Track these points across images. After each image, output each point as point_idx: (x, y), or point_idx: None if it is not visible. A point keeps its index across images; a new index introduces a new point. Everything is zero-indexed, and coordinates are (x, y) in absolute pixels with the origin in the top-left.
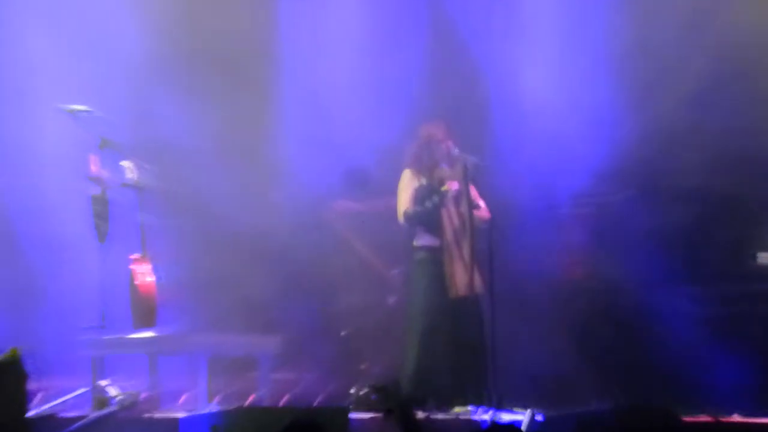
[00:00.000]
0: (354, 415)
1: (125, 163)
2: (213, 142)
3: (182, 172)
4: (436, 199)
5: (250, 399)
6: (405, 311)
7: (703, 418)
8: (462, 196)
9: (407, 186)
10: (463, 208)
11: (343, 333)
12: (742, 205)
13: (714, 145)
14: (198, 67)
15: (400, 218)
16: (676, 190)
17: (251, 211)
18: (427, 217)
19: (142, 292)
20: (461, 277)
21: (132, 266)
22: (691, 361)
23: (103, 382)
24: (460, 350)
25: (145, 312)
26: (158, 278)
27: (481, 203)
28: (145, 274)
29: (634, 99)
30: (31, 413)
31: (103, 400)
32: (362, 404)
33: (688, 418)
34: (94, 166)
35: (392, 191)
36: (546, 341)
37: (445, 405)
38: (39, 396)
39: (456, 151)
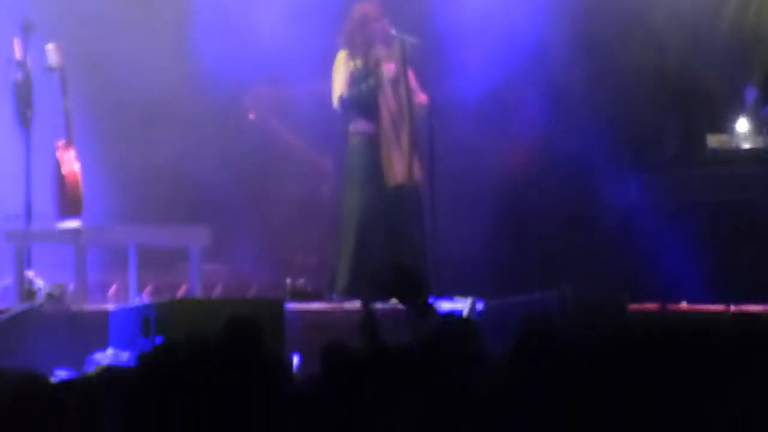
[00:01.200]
0: (289, 306)
1: (49, 46)
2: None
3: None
4: (371, 81)
5: (182, 291)
6: (340, 199)
7: (650, 305)
8: (400, 78)
9: (341, 68)
10: (401, 91)
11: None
12: (695, 84)
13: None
14: None
15: (335, 103)
16: (628, 70)
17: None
18: (362, 102)
19: (68, 179)
20: (399, 165)
21: (57, 153)
22: (638, 250)
23: (29, 273)
24: (397, 240)
25: (71, 200)
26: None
27: (419, 88)
28: (71, 161)
29: None
30: None
31: (29, 292)
32: (297, 295)
33: (634, 306)
34: (18, 49)
35: (314, 75)
36: (488, 232)
37: (383, 296)
38: None
39: (393, 30)
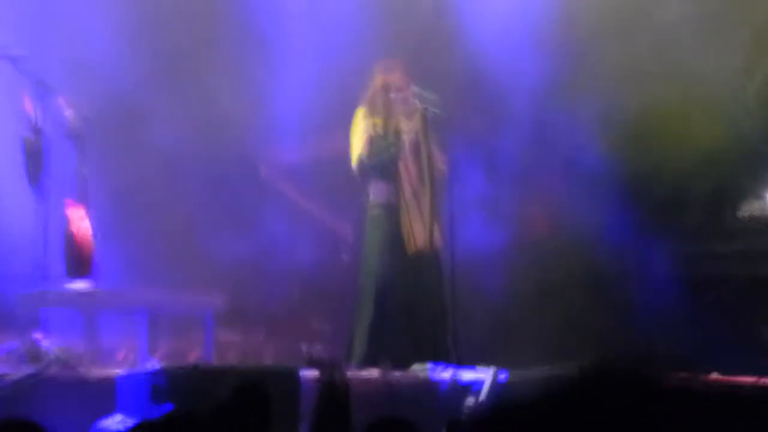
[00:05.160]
0: (304, 375)
1: (62, 106)
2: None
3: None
4: (393, 150)
5: (194, 357)
6: (358, 268)
7: (679, 375)
8: (420, 144)
9: (360, 127)
10: (423, 160)
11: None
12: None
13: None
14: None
15: (354, 165)
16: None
17: (198, 163)
18: (382, 169)
19: (78, 238)
20: (419, 233)
21: (67, 211)
22: (667, 321)
23: (36, 335)
24: (417, 308)
25: (81, 260)
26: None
27: (440, 155)
28: (80, 220)
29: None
30: None
31: (36, 356)
32: (313, 364)
33: (662, 377)
34: (29, 108)
35: (332, 130)
36: (511, 300)
37: (402, 364)
38: None
39: (415, 99)
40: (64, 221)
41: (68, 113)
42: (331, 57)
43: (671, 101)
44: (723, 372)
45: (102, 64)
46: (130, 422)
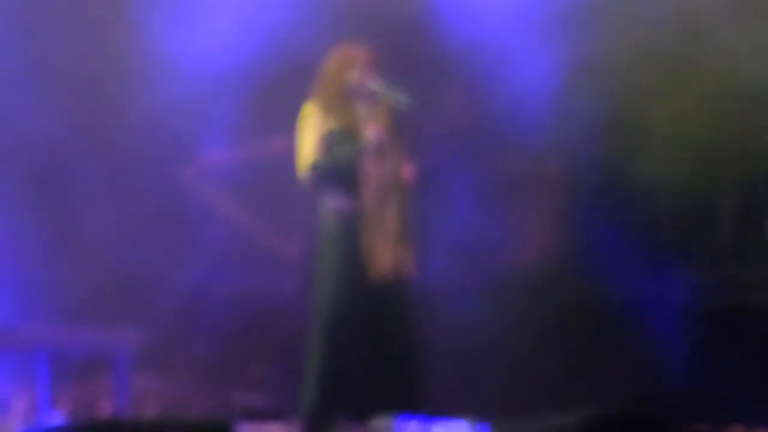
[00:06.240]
0: (240, 430)
1: None
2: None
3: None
4: (351, 153)
5: (103, 409)
6: (309, 297)
7: (697, 427)
8: (386, 151)
9: (311, 127)
10: (388, 167)
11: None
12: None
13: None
14: None
15: (302, 172)
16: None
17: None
18: (337, 173)
19: None
20: (384, 253)
21: None
22: (682, 362)
23: None
24: (380, 347)
25: None
26: None
27: (409, 162)
28: None
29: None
30: None
31: None
32: (249, 415)
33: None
34: None
35: (274, 127)
36: (493, 338)
37: (362, 415)
38: None
39: (380, 84)
40: None
41: None
42: (277, 37)
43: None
44: (748, 424)
45: None
46: None
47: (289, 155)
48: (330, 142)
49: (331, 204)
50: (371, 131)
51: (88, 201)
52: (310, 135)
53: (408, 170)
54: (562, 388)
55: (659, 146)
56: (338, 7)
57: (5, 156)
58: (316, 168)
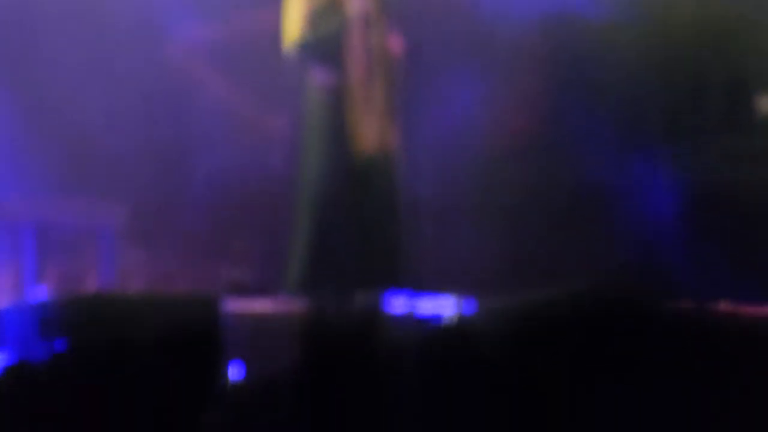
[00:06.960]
0: (226, 305)
1: None
2: None
3: None
4: (337, 26)
5: (89, 283)
6: (295, 173)
7: (682, 304)
8: (372, 24)
9: (298, 1)
10: (375, 35)
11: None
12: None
13: None
14: None
15: (290, 47)
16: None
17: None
18: (322, 47)
19: None
20: (369, 129)
21: None
22: (671, 239)
23: None
24: (366, 222)
25: None
26: None
27: (397, 37)
28: None
29: None
30: None
31: None
32: (235, 290)
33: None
34: None
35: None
36: (480, 215)
37: (347, 291)
38: None
39: None
40: None
41: None
42: None
43: None
44: (735, 301)
45: None
46: (13, 362)
47: (275, 29)
48: (315, 15)
49: (316, 76)
50: (357, 2)
51: (74, 75)
52: (294, 9)
53: (395, 43)
54: (549, 266)
55: (646, 16)
56: None
57: None
58: (300, 41)
